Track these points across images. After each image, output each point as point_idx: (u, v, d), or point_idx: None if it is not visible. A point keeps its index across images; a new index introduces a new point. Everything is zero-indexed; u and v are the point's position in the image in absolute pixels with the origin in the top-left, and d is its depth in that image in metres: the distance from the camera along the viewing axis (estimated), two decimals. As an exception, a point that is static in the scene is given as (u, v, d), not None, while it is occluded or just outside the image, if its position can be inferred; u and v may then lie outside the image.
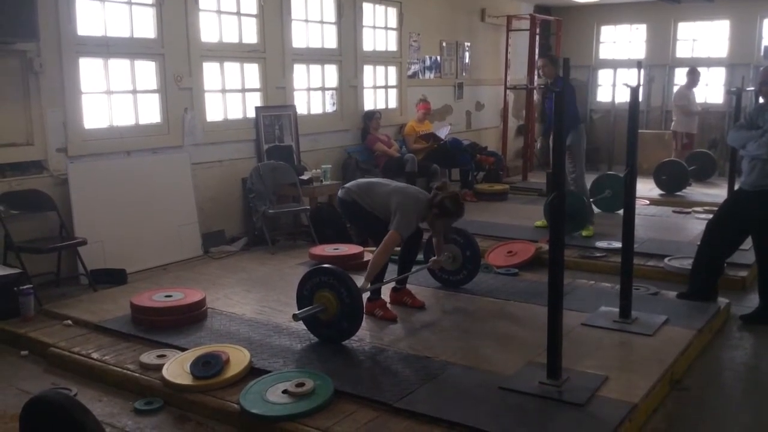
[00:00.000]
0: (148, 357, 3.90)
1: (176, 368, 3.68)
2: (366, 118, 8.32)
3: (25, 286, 4.65)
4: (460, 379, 3.62)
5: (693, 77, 9.85)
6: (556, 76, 7.04)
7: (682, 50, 11.79)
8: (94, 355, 4.02)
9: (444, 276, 5.20)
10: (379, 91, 8.98)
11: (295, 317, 4.00)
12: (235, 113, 7.05)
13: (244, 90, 7.10)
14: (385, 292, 4.74)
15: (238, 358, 3.74)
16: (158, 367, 3.74)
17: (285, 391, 3.38)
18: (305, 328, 4.32)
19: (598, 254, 6.15)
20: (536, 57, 10.85)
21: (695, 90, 9.98)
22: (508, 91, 10.89)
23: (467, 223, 7.39)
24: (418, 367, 3.74)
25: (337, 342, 4.09)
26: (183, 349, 3.97)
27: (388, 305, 4.63)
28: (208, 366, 3.61)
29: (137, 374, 3.77)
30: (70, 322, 4.55)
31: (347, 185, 4.80)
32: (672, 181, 9.23)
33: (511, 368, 3.70)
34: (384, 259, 4.39)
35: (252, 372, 3.67)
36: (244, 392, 3.40)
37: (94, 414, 2.71)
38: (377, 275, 4.42)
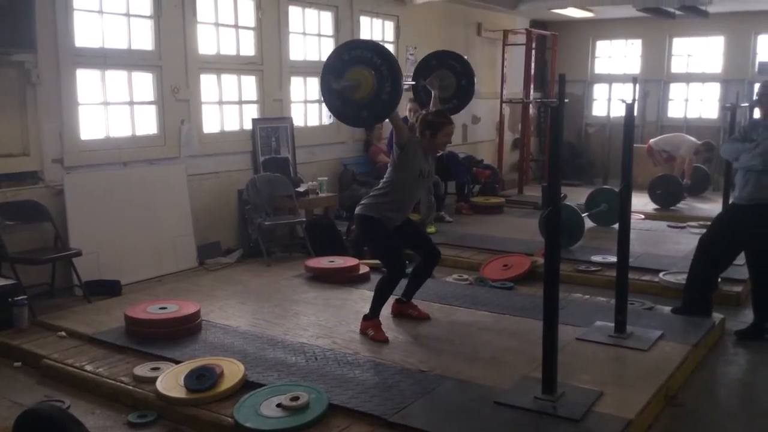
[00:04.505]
0: (142, 369, 3.88)
1: (170, 381, 3.66)
2: (368, 130, 8.36)
3: (19, 297, 4.62)
4: (455, 393, 3.60)
5: (706, 153, 9.79)
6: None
7: (677, 65, 11.86)
8: (88, 367, 4.00)
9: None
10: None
11: (337, 84, 3.75)
12: (231, 125, 7.06)
13: (241, 102, 7.12)
14: (388, 306, 4.69)
15: (233, 371, 3.73)
16: (152, 380, 3.72)
17: (279, 405, 3.37)
18: (300, 341, 4.32)
19: (594, 268, 6.15)
20: (532, 71, 10.92)
21: (694, 156, 9.72)
22: (504, 105, 10.92)
23: (463, 235, 7.45)
24: (414, 381, 3.73)
25: (344, 122, 3.94)
26: (177, 362, 3.95)
27: (382, 327, 4.48)
28: (202, 379, 3.59)
29: (131, 387, 3.75)
30: (63, 333, 4.52)
31: (363, 202, 4.57)
32: (667, 195, 9.26)
33: (506, 383, 3.70)
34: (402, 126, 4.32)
35: (246, 385, 3.65)
36: (238, 406, 3.38)
37: (86, 427, 2.71)
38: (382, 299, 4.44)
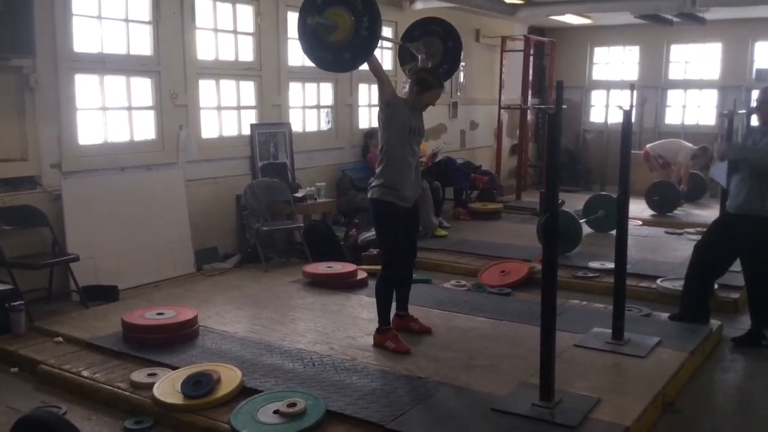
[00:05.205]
0: (139, 375, 3.87)
1: (167, 387, 3.66)
2: (367, 137, 8.41)
3: (16, 302, 4.61)
4: (452, 400, 3.60)
5: (703, 158, 9.73)
6: None
7: (675, 72, 11.90)
8: (85, 373, 3.99)
9: None
10: (375, 110, 9.00)
11: (312, 19, 3.61)
12: (230, 130, 7.06)
13: (239, 107, 7.13)
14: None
15: (230, 377, 3.72)
16: (149, 386, 3.71)
17: (276, 411, 3.36)
18: (298, 347, 4.31)
19: (591, 274, 6.16)
20: (530, 77, 10.95)
21: (691, 162, 9.78)
22: (502, 111, 10.95)
23: (461, 241, 7.45)
24: (411, 388, 3.72)
25: (329, 70, 3.82)
26: (174, 368, 3.94)
27: (399, 336, 4.40)
28: (199, 385, 3.58)
29: (128, 393, 3.74)
30: (60, 339, 4.51)
31: (373, 185, 4.39)
32: (663, 201, 9.28)
33: (503, 389, 3.69)
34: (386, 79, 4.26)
35: (243, 391, 3.64)
36: (235, 412, 3.37)
37: (83, 433, 2.70)
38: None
